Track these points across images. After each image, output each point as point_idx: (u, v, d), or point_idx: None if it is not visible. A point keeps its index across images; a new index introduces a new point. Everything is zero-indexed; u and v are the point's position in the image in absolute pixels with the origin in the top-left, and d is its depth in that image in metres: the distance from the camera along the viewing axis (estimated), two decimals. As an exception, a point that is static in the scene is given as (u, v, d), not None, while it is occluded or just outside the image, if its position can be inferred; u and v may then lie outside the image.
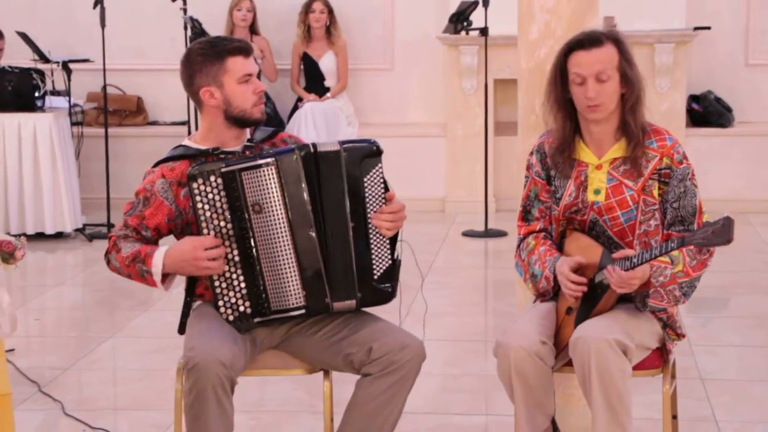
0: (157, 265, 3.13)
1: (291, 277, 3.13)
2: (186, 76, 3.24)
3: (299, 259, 3.12)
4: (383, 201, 3.17)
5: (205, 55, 3.20)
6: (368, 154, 3.15)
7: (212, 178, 3.07)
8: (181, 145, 3.29)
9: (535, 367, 3.13)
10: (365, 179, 3.15)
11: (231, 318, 3.13)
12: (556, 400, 3.27)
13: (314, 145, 3.15)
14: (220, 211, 3.09)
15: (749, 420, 4.19)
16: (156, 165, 3.27)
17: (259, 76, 3.39)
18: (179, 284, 3.29)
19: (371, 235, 3.17)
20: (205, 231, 3.09)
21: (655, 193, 3.21)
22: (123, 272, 3.20)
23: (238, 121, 3.22)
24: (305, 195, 3.11)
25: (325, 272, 3.14)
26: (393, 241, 3.21)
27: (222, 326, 3.13)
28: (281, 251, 3.12)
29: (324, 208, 3.13)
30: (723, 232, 2.89)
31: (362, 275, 3.17)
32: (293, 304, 3.15)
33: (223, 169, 3.07)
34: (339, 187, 3.13)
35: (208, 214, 3.09)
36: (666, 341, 3.28)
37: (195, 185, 3.07)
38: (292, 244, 3.12)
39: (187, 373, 3.00)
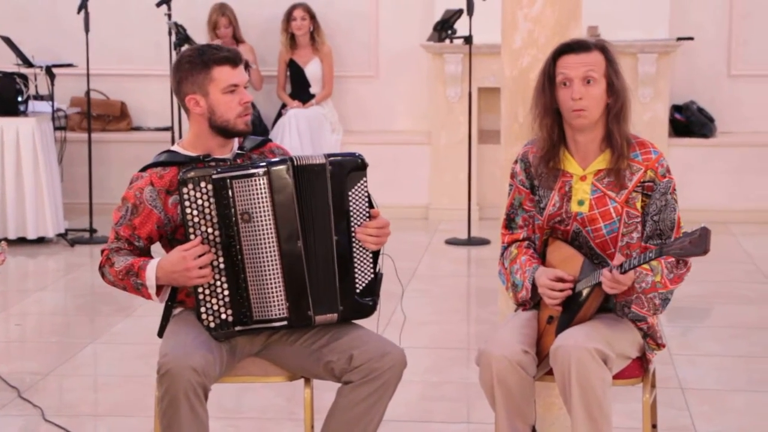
0: (150, 278, 3.13)
1: (275, 288, 3.12)
2: (174, 82, 3.24)
3: (285, 270, 3.12)
4: (367, 215, 3.18)
5: (192, 62, 3.19)
6: (353, 167, 3.15)
7: (203, 184, 3.06)
8: (169, 151, 3.28)
9: (517, 376, 3.14)
10: (350, 193, 3.15)
11: (212, 325, 3.13)
12: (537, 408, 3.28)
13: (299, 158, 3.15)
14: (208, 217, 3.08)
15: (729, 429, 4.21)
16: (144, 169, 3.25)
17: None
18: (167, 287, 3.27)
19: (354, 249, 3.17)
20: (192, 237, 3.09)
21: (638, 205, 3.22)
22: (118, 285, 3.20)
23: (222, 130, 3.21)
24: (294, 207, 3.11)
25: (309, 285, 3.14)
26: (375, 254, 3.21)
27: (198, 334, 3.12)
28: (267, 262, 3.11)
29: (309, 221, 3.13)
30: (700, 242, 2.90)
31: (345, 289, 3.17)
32: (276, 315, 3.14)
33: (214, 176, 3.07)
34: (323, 200, 3.13)
35: (196, 219, 3.08)
36: (646, 351, 3.29)
37: (185, 190, 3.06)
38: (279, 255, 3.11)
39: (160, 380, 3.00)
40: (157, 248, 3.27)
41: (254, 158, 3.24)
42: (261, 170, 3.09)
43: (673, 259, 3.11)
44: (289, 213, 3.11)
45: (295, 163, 3.12)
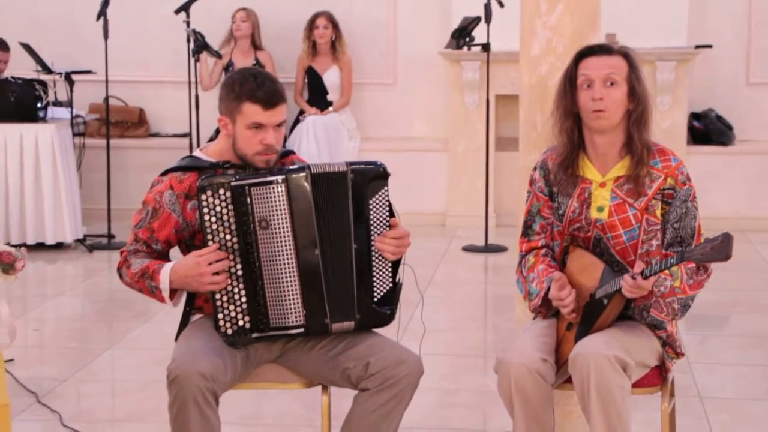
0: (164, 281, 3.14)
1: (292, 295, 3.12)
2: (219, 97, 3.24)
3: (302, 278, 3.12)
4: (387, 224, 3.18)
5: (230, 89, 3.18)
6: (375, 176, 3.15)
7: (221, 191, 3.07)
8: (192, 156, 3.29)
9: (536, 384, 3.13)
10: (371, 201, 3.15)
11: (230, 332, 3.13)
12: (555, 416, 3.27)
13: (319, 166, 3.15)
14: (227, 224, 3.09)
15: (748, 439, 4.19)
16: (165, 173, 3.27)
17: None
18: (184, 293, 3.28)
19: (374, 258, 3.17)
20: (210, 243, 3.09)
21: (658, 213, 3.21)
22: (134, 287, 3.22)
23: (242, 159, 3.21)
24: (312, 214, 3.11)
25: (326, 293, 3.14)
26: (395, 264, 3.21)
27: (210, 340, 3.12)
28: (284, 269, 3.11)
29: (328, 229, 3.13)
30: (722, 248, 2.89)
31: (362, 297, 3.17)
32: (293, 322, 3.14)
33: (233, 183, 3.07)
34: (344, 208, 3.13)
35: (214, 226, 3.08)
36: (665, 359, 3.28)
37: (204, 197, 3.07)
38: (296, 262, 3.12)
39: (169, 386, 3.01)
40: (175, 253, 3.28)
41: (273, 167, 3.24)
42: (279, 177, 3.09)
43: (694, 264, 3.10)
44: (307, 221, 3.11)
45: (314, 171, 3.13)
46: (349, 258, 3.15)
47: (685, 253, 2.98)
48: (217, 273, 3.08)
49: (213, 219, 3.08)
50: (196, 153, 3.31)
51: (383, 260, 3.18)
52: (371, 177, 3.15)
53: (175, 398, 3.00)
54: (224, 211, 3.08)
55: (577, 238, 3.28)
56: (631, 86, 3.20)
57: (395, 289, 3.21)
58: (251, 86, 3.15)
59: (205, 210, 3.08)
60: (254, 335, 3.14)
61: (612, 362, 3.04)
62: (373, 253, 3.17)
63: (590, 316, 3.17)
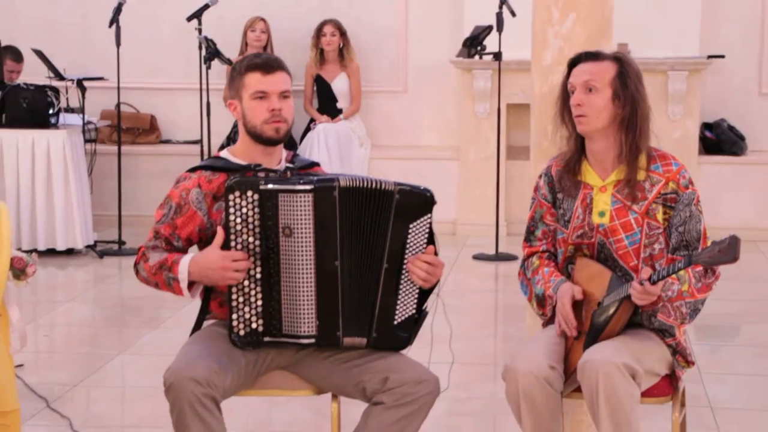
0: (183, 272, 3.12)
1: (307, 304, 3.11)
2: (225, 88, 3.29)
3: (319, 289, 3.10)
4: (424, 251, 3.14)
5: (235, 68, 3.27)
6: (421, 201, 3.12)
7: (249, 193, 3.06)
8: (221, 157, 3.29)
9: (544, 392, 3.13)
10: (411, 225, 3.12)
11: (242, 333, 3.12)
12: (565, 426, 3.26)
13: (369, 180, 3.11)
14: (251, 226, 3.08)
15: (758, 449, 4.18)
16: (194, 170, 3.27)
17: None
18: (194, 300, 3.27)
19: (402, 281, 3.14)
20: (232, 243, 3.08)
21: (659, 217, 3.22)
22: (151, 281, 3.20)
23: (254, 137, 3.23)
24: (336, 227, 3.09)
25: (342, 306, 3.12)
26: (426, 293, 3.18)
27: (208, 346, 3.12)
28: (302, 278, 3.10)
29: (353, 243, 3.11)
30: (729, 250, 2.89)
31: (383, 317, 3.14)
32: (305, 331, 3.12)
33: (261, 186, 3.06)
34: (383, 227, 3.11)
35: (239, 227, 3.07)
36: (675, 368, 3.27)
37: (231, 197, 3.06)
38: (315, 273, 3.10)
39: (166, 394, 3.02)
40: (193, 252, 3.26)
41: (303, 175, 3.22)
42: (309, 187, 3.07)
43: (701, 268, 3.10)
44: (330, 233, 3.08)
45: (343, 184, 3.09)
46: (376, 275, 3.12)
47: (693, 256, 2.98)
48: (238, 271, 3.07)
49: (238, 220, 3.07)
50: (224, 154, 3.31)
51: (412, 285, 3.15)
52: (417, 201, 3.12)
53: (172, 406, 3.00)
54: (250, 213, 3.07)
55: (582, 247, 3.28)
56: (615, 90, 3.20)
57: (419, 316, 3.18)
58: (250, 58, 3.25)
59: (231, 210, 3.06)
60: (266, 339, 3.13)
61: (621, 370, 3.03)
62: (403, 277, 3.14)
63: (598, 324, 3.17)
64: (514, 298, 6.31)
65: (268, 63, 3.23)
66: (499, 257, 7.59)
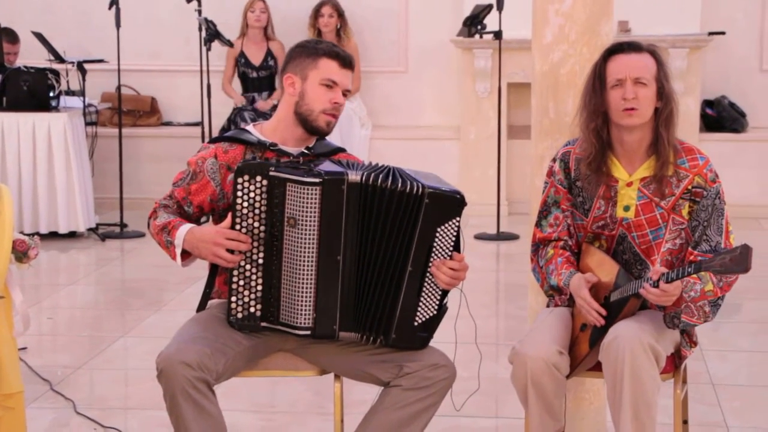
0: (179, 237, 3.13)
1: (305, 296, 3.08)
2: (284, 62, 3.28)
3: (318, 283, 3.08)
4: (449, 255, 3.10)
5: (305, 47, 3.25)
6: (451, 204, 3.05)
7: (258, 178, 3.03)
8: (245, 130, 3.28)
9: (552, 377, 3.13)
10: (439, 228, 3.07)
11: (240, 315, 3.11)
12: (567, 403, 3.27)
13: (396, 179, 3.05)
14: (257, 211, 3.06)
15: (760, 426, 4.18)
16: (213, 141, 3.29)
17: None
18: (197, 282, 3.27)
19: (426, 283, 3.11)
20: (237, 226, 3.07)
21: (684, 212, 3.21)
22: (155, 239, 3.24)
23: (303, 120, 3.21)
24: (342, 223, 3.05)
25: (341, 301, 3.09)
26: (445, 291, 3.16)
27: (201, 330, 3.10)
28: (303, 270, 3.07)
29: (371, 240, 3.07)
30: (741, 260, 2.86)
31: (403, 318, 3.11)
32: (301, 323, 3.10)
33: (271, 173, 3.03)
34: (408, 228, 3.05)
35: (245, 211, 3.05)
36: (682, 347, 3.27)
37: (240, 180, 3.04)
38: (316, 266, 3.07)
39: (158, 379, 3.02)
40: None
41: (317, 163, 3.15)
42: (317, 180, 3.02)
43: None
44: (336, 228, 3.05)
45: (351, 179, 3.03)
46: (397, 277, 3.07)
47: (704, 263, 2.95)
48: (231, 252, 3.07)
49: (245, 204, 3.05)
50: (249, 128, 3.29)
51: (434, 287, 3.12)
52: (447, 204, 3.05)
53: (165, 391, 3.00)
54: (257, 198, 3.05)
55: (601, 236, 3.28)
56: (660, 85, 3.19)
57: (439, 315, 3.16)
58: (330, 46, 3.23)
59: (239, 193, 3.05)
60: (263, 324, 3.12)
61: (647, 351, 3.03)
62: (427, 279, 3.10)
63: (606, 317, 3.15)
64: (516, 278, 6.33)
65: (347, 59, 3.22)
66: (501, 236, 7.60)
